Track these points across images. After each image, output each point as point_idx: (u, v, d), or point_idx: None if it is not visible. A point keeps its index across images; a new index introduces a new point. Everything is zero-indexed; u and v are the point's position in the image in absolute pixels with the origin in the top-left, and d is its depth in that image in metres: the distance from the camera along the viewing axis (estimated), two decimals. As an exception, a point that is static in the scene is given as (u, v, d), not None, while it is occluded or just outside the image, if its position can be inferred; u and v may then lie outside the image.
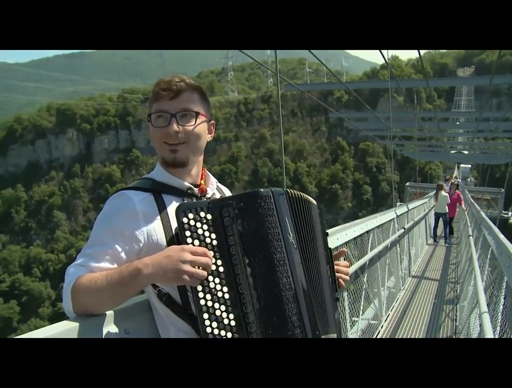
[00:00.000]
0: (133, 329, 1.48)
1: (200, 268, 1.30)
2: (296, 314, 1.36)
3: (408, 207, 10.19)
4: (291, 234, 1.43)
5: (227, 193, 1.75)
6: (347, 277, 1.77)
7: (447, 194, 13.63)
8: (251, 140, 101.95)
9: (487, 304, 3.73)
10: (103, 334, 1.38)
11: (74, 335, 1.29)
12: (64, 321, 1.34)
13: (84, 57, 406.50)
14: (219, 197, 1.64)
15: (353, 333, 4.97)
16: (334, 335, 1.55)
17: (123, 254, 1.41)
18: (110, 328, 1.41)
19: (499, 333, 3.37)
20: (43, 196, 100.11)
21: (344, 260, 1.84)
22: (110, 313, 1.41)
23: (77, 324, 1.31)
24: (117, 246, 1.40)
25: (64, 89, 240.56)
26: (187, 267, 1.27)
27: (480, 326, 3.16)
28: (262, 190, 1.41)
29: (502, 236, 4.46)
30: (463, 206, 14.44)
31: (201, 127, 1.53)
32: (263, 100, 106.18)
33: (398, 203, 15.93)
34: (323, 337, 1.44)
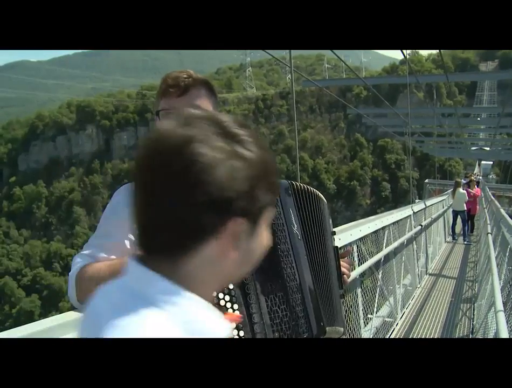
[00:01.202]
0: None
1: None
2: (300, 304, 1.36)
3: (425, 204, 10.06)
4: (295, 225, 1.44)
5: None
6: (350, 274, 1.77)
7: (465, 192, 13.40)
8: (270, 136, 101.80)
9: (504, 303, 3.65)
10: None
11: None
12: (70, 312, 1.36)
13: (104, 54, 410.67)
14: None
15: (367, 330, 4.93)
16: (340, 328, 1.53)
17: (129, 246, 1.42)
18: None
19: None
20: (64, 192, 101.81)
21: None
22: (115, 304, 1.44)
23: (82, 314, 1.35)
24: (124, 238, 1.41)
25: (84, 86, 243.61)
26: None
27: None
28: None
29: (520, 234, 4.36)
30: (482, 200, 14.21)
31: None
32: (281, 96, 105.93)
33: (417, 200, 15.75)
34: (327, 328, 1.43)
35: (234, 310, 1.34)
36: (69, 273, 1.39)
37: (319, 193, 1.61)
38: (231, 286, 1.35)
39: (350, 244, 4.00)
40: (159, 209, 0.70)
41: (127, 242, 1.41)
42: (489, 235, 7.34)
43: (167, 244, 0.73)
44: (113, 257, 1.40)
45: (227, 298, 1.34)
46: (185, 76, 1.48)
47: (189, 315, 0.74)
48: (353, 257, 4.14)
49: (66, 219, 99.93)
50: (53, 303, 78.94)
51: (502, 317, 2.77)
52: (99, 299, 0.80)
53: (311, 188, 1.57)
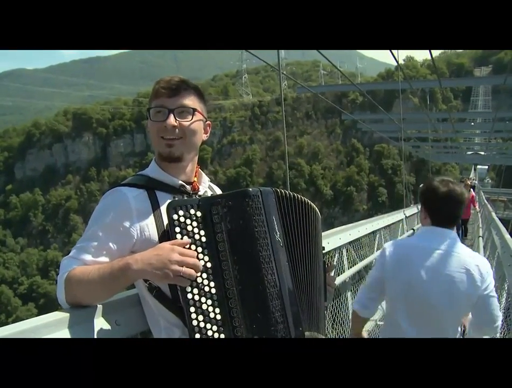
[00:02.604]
0: (124, 321, 1.52)
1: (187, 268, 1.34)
2: (279, 310, 1.40)
3: (418, 208, 10.12)
4: (278, 233, 1.47)
5: (218, 192, 1.80)
6: (332, 290, 1.83)
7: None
8: (266, 143, 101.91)
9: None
10: (94, 325, 1.42)
11: (65, 325, 1.34)
12: (56, 312, 1.39)
13: (100, 62, 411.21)
14: (210, 195, 1.68)
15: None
16: (320, 335, 1.57)
17: (116, 249, 1.45)
18: (101, 319, 1.45)
19: (500, 331, 3.34)
20: (60, 200, 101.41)
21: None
22: (100, 305, 1.45)
23: (68, 314, 1.36)
24: (110, 241, 1.45)
25: (81, 94, 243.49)
26: (175, 267, 1.31)
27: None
28: (250, 189, 1.45)
29: (507, 236, 4.42)
30: (477, 207, 14.26)
31: (197, 125, 1.59)
32: (277, 103, 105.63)
33: (411, 205, 15.79)
34: (306, 333, 1.47)
35: (215, 314, 1.37)
36: (58, 276, 1.43)
37: (312, 204, 1.64)
38: (213, 291, 1.38)
39: (339, 248, 4.05)
40: (460, 212, 2.34)
41: (112, 245, 1.45)
42: (480, 238, 7.40)
43: (454, 223, 2.40)
44: (100, 259, 1.43)
45: (209, 302, 1.38)
46: (176, 79, 1.56)
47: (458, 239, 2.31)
48: (342, 261, 4.19)
49: (63, 226, 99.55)
50: (49, 311, 78.12)
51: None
52: (432, 249, 2.25)
53: (301, 197, 1.60)
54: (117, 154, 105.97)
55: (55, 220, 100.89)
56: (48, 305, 79.74)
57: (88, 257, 1.43)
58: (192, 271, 1.34)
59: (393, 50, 7.85)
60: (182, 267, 1.33)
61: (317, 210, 1.67)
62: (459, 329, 2.36)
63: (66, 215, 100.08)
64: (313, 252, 1.60)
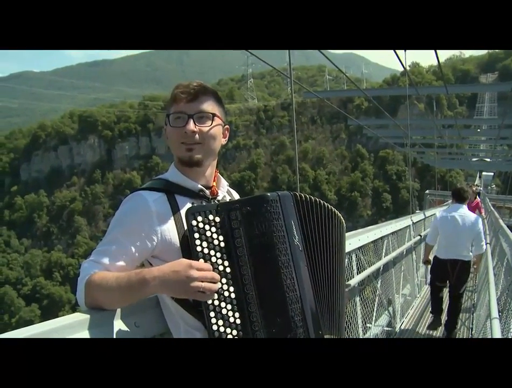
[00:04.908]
0: (143, 323, 1.53)
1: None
2: (299, 314, 1.40)
3: (425, 214, 10.10)
4: (296, 237, 1.47)
5: (236, 196, 1.81)
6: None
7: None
8: (271, 147, 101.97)
9: (501, 311, 3.69)
10: (114, 327, 1.42)
11: (85, 326, 1.36)
12: (77, 313, 1.39)
13: (106, 65, 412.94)
14: (228, 200, 1.69)
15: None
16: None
17: (136, 253, 1.46)
18: (120, 321, 1.45)
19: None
20: (65, 201, 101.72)
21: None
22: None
23: (89, 316, 1.37)
24: (131, 245, 1.45)
25: (87, 97, 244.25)
26: (194, 283, 1.30)
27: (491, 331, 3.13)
28: (269, 194, 1.46)
29: (517, 244, 4.41)
30: (482, 214, 14.19)
31: (216, 130, 1.59)
32: (282, 107, 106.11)
33: (417, 211, 15.76)
34: (326, 337, 1.47)
35: (235, 318, 1.38)
36: (79, 278, 1.44)
37: (335, 210, 1.62)
38: (233, 296, 1.39)
39: (349, 253, 4.06)
40: (465, 196, 6.14)
41: (133, 249, 1.46)
42: (488, 245, 7.38)
43: (464, 201, 6.06)
44: (120, 263, 1.44)
45: (229, 306, 1.39)
46: (195, 84, 1.56)
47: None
48: (352, 266, 4.19)
49: (67, 228, 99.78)
50: (52, 312, 78.63)
51: (496, 324, 2.82)
52: (454, 212, 5.95)
53: (323, 202, 1.58)
54: (122, 156, 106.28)
55: (60, 221, 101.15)
56: (52, 306, 79.94)
57: (108, 261, 1.43)
58: (212, 286, 1.33)
59: (399, 56, 7.89)
60: (202, 282, 1.31)
61: (341, 216, 1.65)
62: (470, 254, 5.76)
63: (70, 216, 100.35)
64: (334, 256, 1.58)
